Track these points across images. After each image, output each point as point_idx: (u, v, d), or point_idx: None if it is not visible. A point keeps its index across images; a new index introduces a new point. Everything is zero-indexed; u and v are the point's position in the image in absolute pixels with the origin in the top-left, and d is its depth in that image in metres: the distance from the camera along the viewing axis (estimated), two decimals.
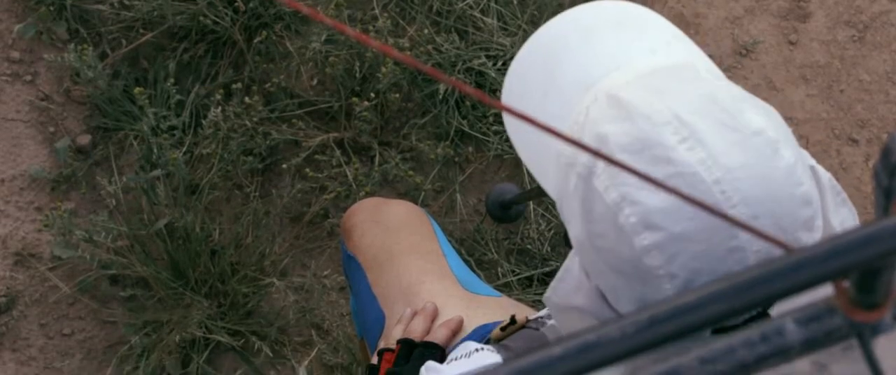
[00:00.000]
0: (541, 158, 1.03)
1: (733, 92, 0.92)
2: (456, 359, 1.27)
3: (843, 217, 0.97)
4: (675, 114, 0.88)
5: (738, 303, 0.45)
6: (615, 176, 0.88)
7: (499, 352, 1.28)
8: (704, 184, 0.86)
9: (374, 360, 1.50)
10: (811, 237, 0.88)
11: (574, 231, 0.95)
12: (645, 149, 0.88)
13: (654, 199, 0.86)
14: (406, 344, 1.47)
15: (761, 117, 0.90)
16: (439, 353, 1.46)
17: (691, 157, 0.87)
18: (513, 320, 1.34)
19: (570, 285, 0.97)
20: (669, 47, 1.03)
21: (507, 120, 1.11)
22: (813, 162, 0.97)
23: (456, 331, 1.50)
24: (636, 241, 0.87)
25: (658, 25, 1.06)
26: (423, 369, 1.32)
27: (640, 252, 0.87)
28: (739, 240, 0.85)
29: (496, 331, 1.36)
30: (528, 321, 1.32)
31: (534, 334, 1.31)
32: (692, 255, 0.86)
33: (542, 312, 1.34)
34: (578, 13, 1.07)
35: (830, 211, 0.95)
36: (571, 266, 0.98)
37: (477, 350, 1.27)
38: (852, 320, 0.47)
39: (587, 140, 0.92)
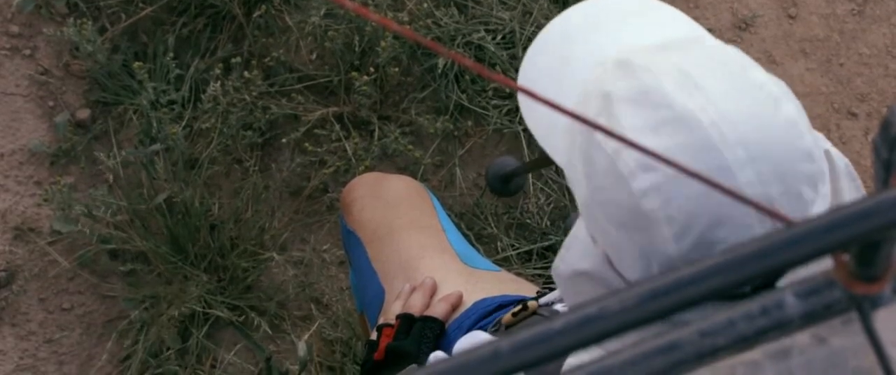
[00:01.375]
0: (551, 134, 1.03)
1: (743, 58, 0.93)
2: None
3: None
4: (678, 67, 0.89)
5: (738, 276, 0.46)
6: (615, 124, 0.89)
7: None
8: (701, 126, 0.86)
9: (373, 336, 1.50)
10: (815, 196, 0.87)
11: (579, 194, 0.95)
12: (644, 97, 0.89)
13: (652, 142, 0.87)
14: (405, 319, 1.47)
15: (767, 78, 0.90)
16: (439, 327, 1.46)
17: (690, 102, 0.87)
18: (525, 306, 1.34)
19: (577, 252, 0.98)
20: (678, 26, 1.04)
21: (521, 99, 1.11)
22: (829, 145, 0.96)
23: (455, 306, 1.50)
24: (634, 185, 0.87)
25: (665, 11, 1.07)
26: (431, 357, 1.33)
27: (638, 195, 0.87)
28: (737, 182, 0.85)
29: (508, 317, 1.36)
30: (539, 307, 1.33)
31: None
32: (689, 196, 0.85)
33: (552, 296, 1.35)
34: (582, 9, 1.08)
35: (845, 195, 0.94)
36: (578, 232, 0.99)
37: None
38: (852, 293, 0.47)
39: (593, 99, 0.93)
